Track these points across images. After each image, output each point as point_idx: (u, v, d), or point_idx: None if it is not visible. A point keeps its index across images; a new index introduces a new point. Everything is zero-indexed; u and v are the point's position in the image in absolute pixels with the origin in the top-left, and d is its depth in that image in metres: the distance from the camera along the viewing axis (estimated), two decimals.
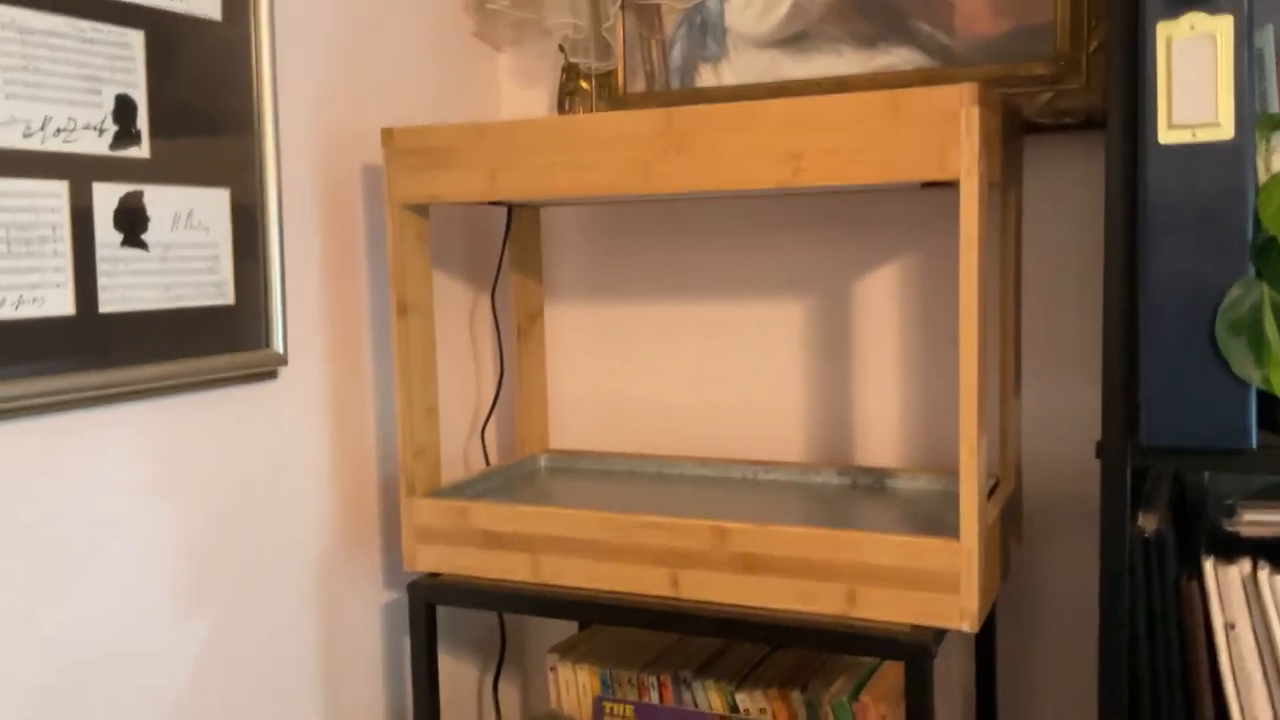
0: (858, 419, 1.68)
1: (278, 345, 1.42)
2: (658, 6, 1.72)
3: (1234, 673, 1.14)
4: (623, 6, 1.73)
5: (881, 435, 1.67)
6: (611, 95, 1.75)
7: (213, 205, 1.34)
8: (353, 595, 1.59)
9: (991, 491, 1.46)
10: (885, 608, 1.26)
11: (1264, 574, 1.12)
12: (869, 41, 1.61)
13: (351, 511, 1.58)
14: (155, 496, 1.29)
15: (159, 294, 1.28)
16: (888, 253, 1.65)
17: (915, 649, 1.24)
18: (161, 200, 1.28)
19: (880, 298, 1.66)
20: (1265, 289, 1.08)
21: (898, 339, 1.65)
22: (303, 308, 1.49)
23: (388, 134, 1.45)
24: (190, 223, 1.31)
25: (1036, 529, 1.60)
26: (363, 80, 1.59)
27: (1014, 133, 1.46)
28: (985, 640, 1.59)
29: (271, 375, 1.44)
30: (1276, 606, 1.11)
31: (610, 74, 1.75)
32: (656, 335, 1.80)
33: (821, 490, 1.57)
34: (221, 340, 1.35)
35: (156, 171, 1.27)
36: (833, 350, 1.69)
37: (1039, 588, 1.61)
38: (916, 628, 1.26)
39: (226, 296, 1.36)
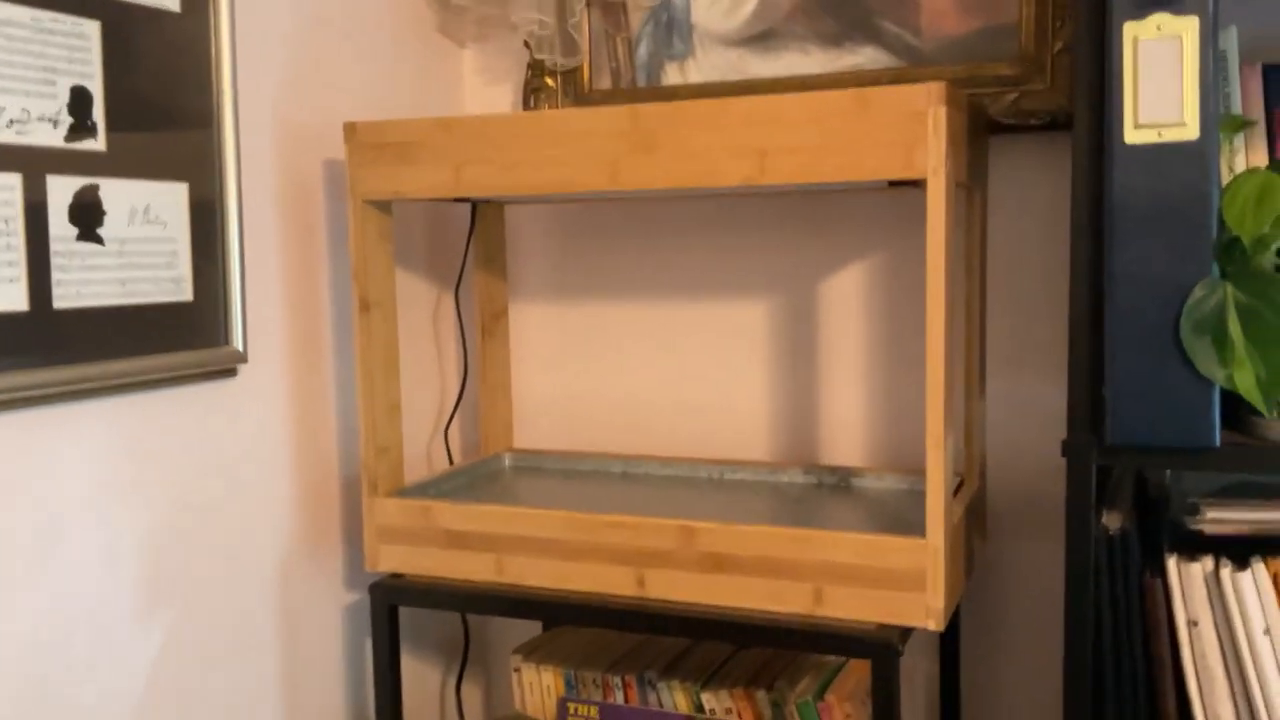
0: (823, 418, 1.68)
1: (237, 342, 1.39)
2: (623, 3, 1.72)
3: (1197, 669, 1.15)
4: (588, 3, 1.72)
5: (847, 434, 1.67)
6: (577, 93, 1.74)
7: (171, 200, 1.31)
8: (314, 596, 1.57)
9: (956, 490, 1.46)
10: (851, 606, 1.26)
11: (1226, 571, 1.13)
12: (835, 41, 1.60)
13: (313, 511, 1.56)
14: (111, 496, 1.27)
15: (115, 290, 1.25)
16: (854, 252, 1.65)
17: (881, 647, 1.24)
18: (118, 194, 1.25)
19: (846, 297, 1.66)
20: (1229, 288, 1.08)
21: (863, 338, 1.66)
22: (263, 304, 1.47)
23: (350, 128, 1.43)
24: (148, 217, 1.29)
25: (1001, 527, 1.61)
26: (324, 74, 1.57)
27: (979, 133, 1.47)
28: (950, 638, 1.59)
29: (231, 373, 1.42)
30: (1239, 603, 1.12)
31: (576, 71, 1.74)
32: (622, 334, 1.79)
33: (787, 490, 1.57)
34: (180, 337, 1.33)
35: (113, 165, 1.25)
36: (798, 350, 1.69)
37: (1003, 585, 1.62)
38: (883, 626, 1.25)
39: (185, 293, 1.33)
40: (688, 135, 1.28)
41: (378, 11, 1.67)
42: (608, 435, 1.81)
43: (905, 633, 1.25)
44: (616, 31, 1.73)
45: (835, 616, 1.27)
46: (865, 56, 1.59)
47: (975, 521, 1.47)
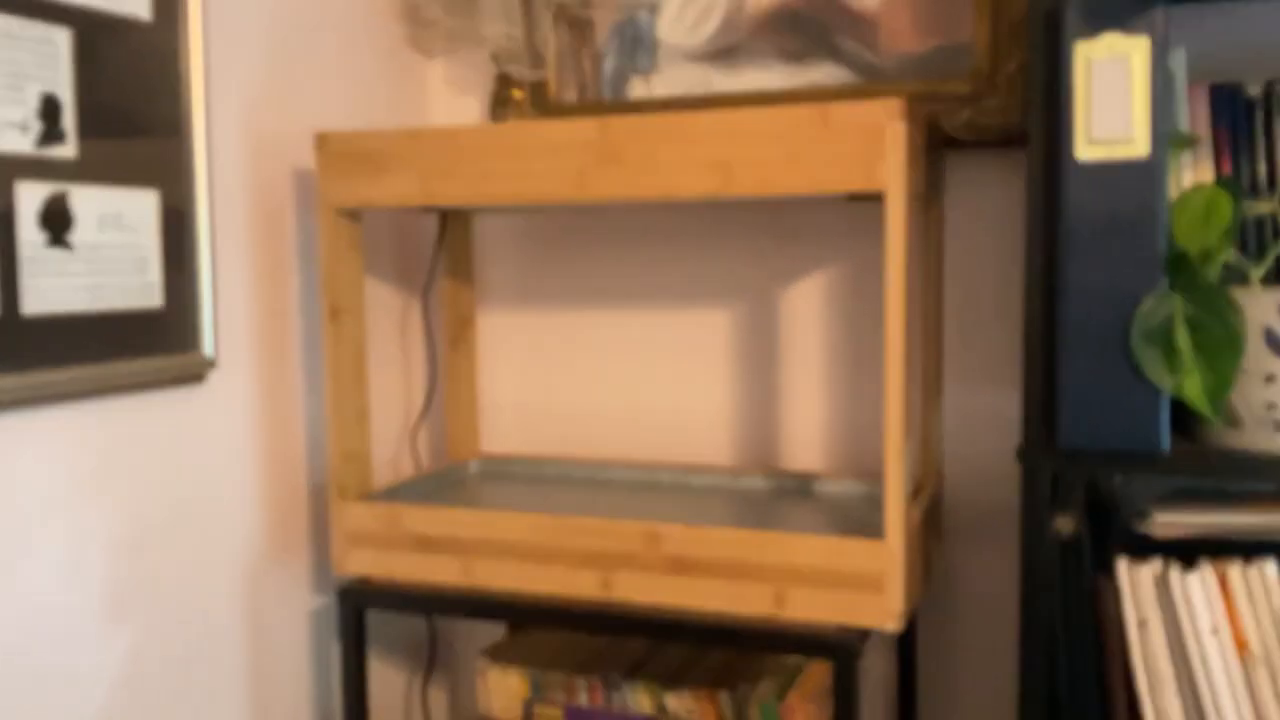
0: (784, 425, 1.71)
1: (207, 349, 1.40)
2: (590, 19, 1.74)
3: (1146, 669, 1.18)
4: (555, 17, 1.74)
5: (807, 441, 1.70)
6: (544, 105, 1.76)
7: (141, 206, 1.32)
8: (281, 601, 1.57)
9: (914, 495, 1.49)
10: (812, 608, 1.29)
11: (1174, 573, 1.17)
12: (797, 57, 1.64)
13: (281, 516, 1.57)
14: (79, 502, 1.27)
15: (85, 296, 1.26)
16: (815, 262, 1.68)
17: (842, 649, 1.26)
18: (88, 201, 1.26)
19: (807, 306, 1.69)
20: (1177, 300, 1.12)
21: (823, 347, 1.69)
22: (232, 311, 1.47)
23: (322, 138, 1.45)
24: (118, 224, 1.29)
25: (957, 531, 1.64)
26: (295, 84, 1.58)
27: (936, 147, 1.50)
28: (907, 640, 1.62)
29: (200, 379, 1.42)
30: (1186, 604, 1.16)
31: (542, 84, 1.76)
32: (588, 341, 1.81)
33: (749, 494, 1.60)
34: (149, 343, 1.33)
35: (83, 171, 1.25)
36: (760, 358, 1.72)
37: (959, 588, 1.65)
38: (843, 628, 1.28)
39: (154, 299, 1.34)
40: (655, 148, 1.31)
41: (348, 24, 1.68)
42: (574, 441, 1.83)
43: (864, 634, 1.28)
44: (583, 46, 1.75)
45: (796, 618, 1.30)
46: (825, 73, 1.63)
47: (932, 525, 1.50)
